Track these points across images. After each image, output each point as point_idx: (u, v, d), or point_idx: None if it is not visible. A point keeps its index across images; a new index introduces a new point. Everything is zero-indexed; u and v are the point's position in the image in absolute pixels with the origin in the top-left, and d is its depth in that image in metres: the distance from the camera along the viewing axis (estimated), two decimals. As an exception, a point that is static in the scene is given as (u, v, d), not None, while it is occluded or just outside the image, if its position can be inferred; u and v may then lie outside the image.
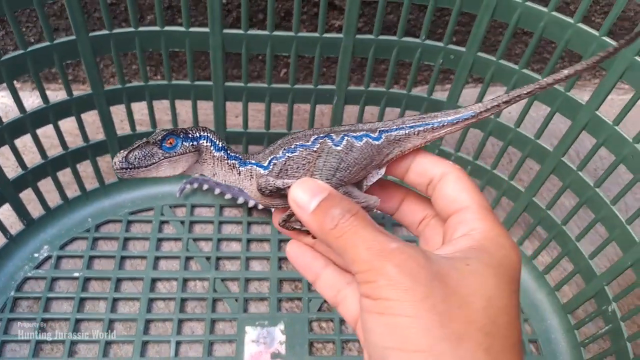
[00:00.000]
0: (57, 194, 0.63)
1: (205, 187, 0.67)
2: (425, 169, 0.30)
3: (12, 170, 0.58)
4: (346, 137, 0.29)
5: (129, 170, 0.28)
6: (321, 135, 0.30)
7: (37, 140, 0.57)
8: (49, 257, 0.61)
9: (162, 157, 0.29)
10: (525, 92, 0.29)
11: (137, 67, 0.77)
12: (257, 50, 0.55)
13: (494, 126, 0.58)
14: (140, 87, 0.58)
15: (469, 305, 0.23)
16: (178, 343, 0.56)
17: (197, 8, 0.70)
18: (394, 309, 0.23)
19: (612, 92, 0.47)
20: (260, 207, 0.66)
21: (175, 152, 0.29)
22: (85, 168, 0.64)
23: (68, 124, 0.58)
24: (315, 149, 0.29)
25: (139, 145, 0.29)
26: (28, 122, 0.55)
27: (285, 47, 0.55)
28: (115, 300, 0.59)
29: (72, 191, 0.64)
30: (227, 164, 0.30)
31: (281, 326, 0.57)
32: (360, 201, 0.29)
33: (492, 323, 0.23)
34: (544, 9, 0.48)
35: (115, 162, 0.28)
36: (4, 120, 0.53)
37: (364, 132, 0.30)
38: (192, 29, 0.54)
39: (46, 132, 0.57)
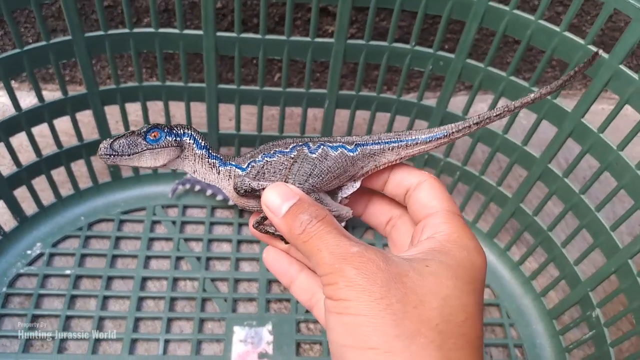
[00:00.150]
0: (51, 192, 0.64)
1: (197, 188, 0.68)
2: (402, 178, 0.32)
3: (7, 168, 0.59)
4: (322, 146, 0.31)
5: (112, 156, 0.30)
6: (300, 143, 0.31)
7: (32, 138, 0.57)
8: (41, 255, 0.61)
9: (145, 148, 0.30)
10: (494, 114, 0.31)
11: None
12: (250, 53, 0.56)
13: (482, 132, 0.59)
14: (134, 87, 0.59)
15: (424, 305, 0.24)
16: (167, 341, 0.56)
17: (193, 12, 0.72)
18: (352, 308, 0.24)
19: (604, 103, 0.48)
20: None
21: (158, 145, 0.30)
22: (79, 167, 0.65)
23: (63, 124, 0.59)
24: (292, 156, 0.31)
25: (124, 135, 0.30)
26: (23, 120, 0.56)
27: (277, 51, 0.56)
28: (105, 298, 0.59)
29: (66, 190, 0.65)
30: (208, 162, 0.32)
31: (269, 326, 0.58)
32: (332, 209, 0.31)
33: (447, 321, 0.24)
34: (531, 17, 0.49)
35: (100, 148, 0.30)
36: (0, 118, 0.54)
37: (340, 143, 0.31)
38: (186, 31, 0.55)
39: (42, 132, 0.58)
